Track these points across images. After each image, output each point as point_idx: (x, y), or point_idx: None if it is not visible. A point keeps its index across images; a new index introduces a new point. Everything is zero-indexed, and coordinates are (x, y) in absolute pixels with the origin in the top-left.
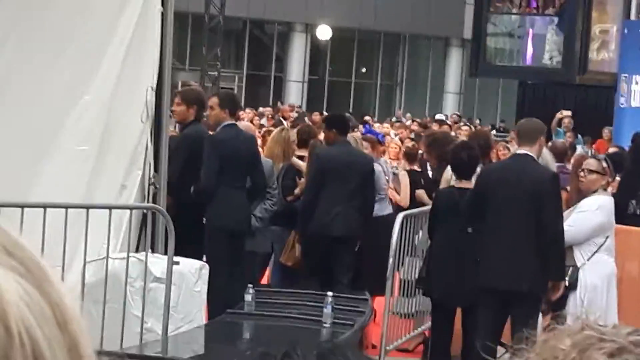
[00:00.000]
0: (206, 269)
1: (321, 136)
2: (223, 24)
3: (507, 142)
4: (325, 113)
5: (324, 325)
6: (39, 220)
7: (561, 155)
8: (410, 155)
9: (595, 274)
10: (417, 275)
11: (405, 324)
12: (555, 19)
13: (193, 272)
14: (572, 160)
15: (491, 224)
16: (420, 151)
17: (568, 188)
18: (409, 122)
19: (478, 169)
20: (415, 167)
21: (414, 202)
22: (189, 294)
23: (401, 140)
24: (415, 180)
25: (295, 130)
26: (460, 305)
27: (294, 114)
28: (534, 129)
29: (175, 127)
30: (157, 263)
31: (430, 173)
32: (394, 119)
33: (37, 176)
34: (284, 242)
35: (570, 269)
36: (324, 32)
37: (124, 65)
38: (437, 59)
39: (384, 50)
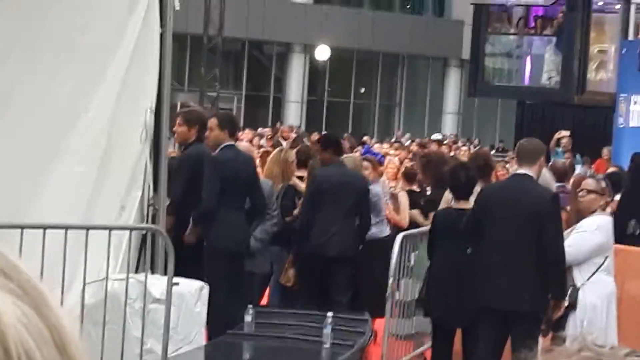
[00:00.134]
0: (206, 290)
1: None
2: (222, 44)
3: (506, 162)
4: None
5: (324, 346)
6: (39, 241)
7: (562, 175)
8: (409, 176)
9: (594, 294)
10: (414, 296)
11: (405, 345)
12: (554, 39)
13: (193, 292)
14: (571, 181)
15: (491, 243)
16: None
17: (568, 208)
18: (408, 143)
19: (478, 189)
20: (414, 188)
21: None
22: (189, 315)
23: (400, 161)
24: (414, 200)
25: (294, 150)
26: (460, 325)
27: (294, 135)
28: (534, 149)
29: (175, 147)
30: (157, 284)
31: (429, 192)
32: (393, 140)
33: (36, 197)
34: (284, 263)
35: (570, 289)
36: (322, 53)
37: (123, 86)
38: (435, 79)
39: (382, 70)
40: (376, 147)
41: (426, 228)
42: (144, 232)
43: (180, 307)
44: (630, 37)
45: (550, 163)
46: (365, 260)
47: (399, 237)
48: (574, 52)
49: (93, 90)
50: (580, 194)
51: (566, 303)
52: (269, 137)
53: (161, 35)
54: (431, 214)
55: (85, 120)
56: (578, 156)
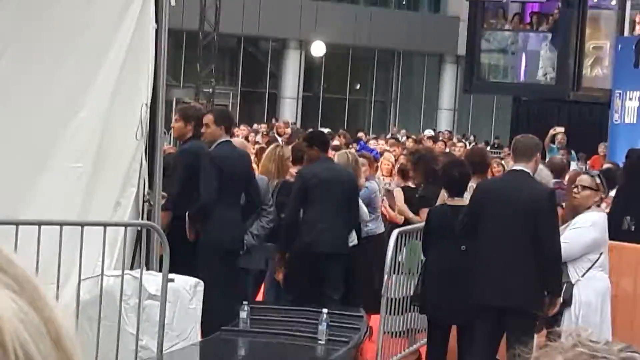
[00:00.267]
0: (201, 286)
1: None
2: (217, 41)
3: (501, 158)
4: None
5: (319, 342)
6: (34, 238)
7: (559, 171)
8: (404, 172)
9: (589, 290)
10: (403, 293)
11: (400, 342)
12: (549, 36)
13: (188, 289)
14: (567, 177)
15: (486, 239)
16: None
17: (564, 204)
18: (403, 139)
19: (473, 185)
20: (410, 184)
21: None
22: (184, 311)
23: (395, 158)
24: (409, 196)
25: (289, 147)
26: (455, 322)
27: (289, 131)
28: (530, 145)
29: (170, 143)
30: (152, 280)
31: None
32: (388, 136)
33: (31, 193)
34: None
35: (565, 285)
36: (318, 49)
37: (119, 82)
38: (431, 75)
39: (378, 66)
40: (372, 143)
41: (422, 224)
42: (139, 228)
43: (175, 304)
44: (626, 33)
45: (547, 159)
46: (361, 256)
47: (394, 233)
48: (570, 49)
49: (88, 87)
50: (575, 190)
51: (561, 299)
52: (264, 133)
53: (156, 31)
54: (422, 210)
55: (80, 117)
56: (573, 153)
